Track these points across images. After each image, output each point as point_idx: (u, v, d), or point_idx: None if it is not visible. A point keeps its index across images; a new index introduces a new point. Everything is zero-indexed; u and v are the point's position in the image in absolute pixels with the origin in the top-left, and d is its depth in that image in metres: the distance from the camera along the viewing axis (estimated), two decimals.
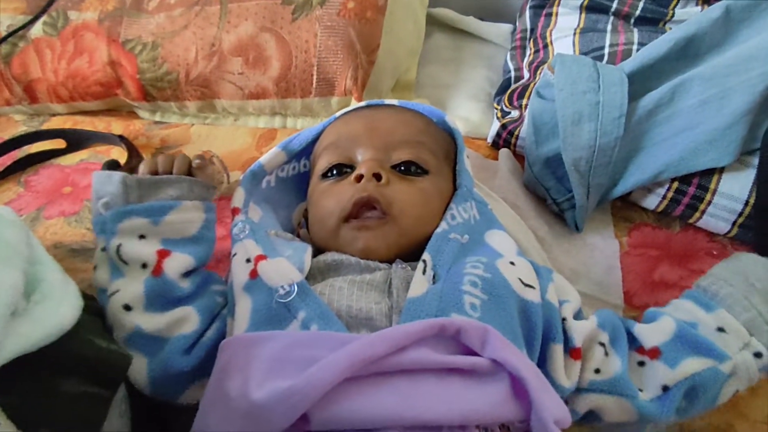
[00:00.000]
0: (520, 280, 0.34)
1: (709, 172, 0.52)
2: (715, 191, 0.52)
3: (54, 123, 0.74)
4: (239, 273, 0.35)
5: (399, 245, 0.37)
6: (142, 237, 0.37)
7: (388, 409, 0.25)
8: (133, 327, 0.34)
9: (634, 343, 0.37)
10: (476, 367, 0.27)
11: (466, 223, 0.39)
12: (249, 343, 0.30)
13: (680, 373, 0.33)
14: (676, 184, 0.53)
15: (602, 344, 0.36)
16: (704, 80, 0.50)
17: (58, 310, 0.27)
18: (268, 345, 0.28)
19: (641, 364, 0.35)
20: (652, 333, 0.36)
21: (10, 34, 0.69)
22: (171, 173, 0.41)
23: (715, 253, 0.53)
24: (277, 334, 0.30)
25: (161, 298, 0.36)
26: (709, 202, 0.53)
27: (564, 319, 0.35)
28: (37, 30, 0.70)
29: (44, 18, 0.70)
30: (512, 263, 0.36)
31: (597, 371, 0.35)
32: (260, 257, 0.35)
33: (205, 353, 0.35)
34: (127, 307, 0.35)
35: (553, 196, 0.56)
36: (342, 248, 0.38)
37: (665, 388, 0.34)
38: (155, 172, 0.41)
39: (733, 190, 0.51)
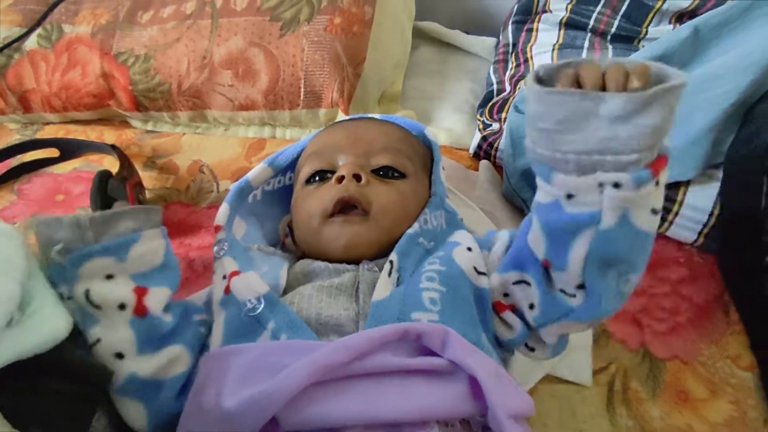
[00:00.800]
0: (474, 268, 0.36)
1: (677, 185, 0.55)
2: (682, 203, 0.55)
3: (47, 132, 0.76)
4: (217, 290, 0.37)
5: (380, 243, 0.39)
6: (109, 277, 0.34)
7: (351, 409, 0.27)
8: (127, 374, 0.33)
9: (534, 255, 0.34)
10: (436, 368, 0.29)
11: (434, 230, 0.41)
12: (223, 356, 0.31)
13: (576, 267, 0.30)
14: None
15: (519, 282, 0.35)
16: None
17: (52, 322, 0.29)
18: (240, 357, 0.30)
19: (548, 274, 0.33)
20: (535, 242, 0.33)
21: (5, 46, 0.71)
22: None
23: (681, 260, 0.56)
24: (249, 346, 0.31)
25: (151, 338, 0.34)
26: (677, 213, 0.55)
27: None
28: (31, 42, 0.72)
29: (39, 31, 0.72)
30: (469, 249, 0.38)
31: (531, 306, 0.35)
32: (234, 273, 0.36)
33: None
34: (120, 356, 0.33)
35: (530, 207, 0.58)
36: (325, 247, 0.40)
37: (580, 286, 0.31)
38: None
39: (699, 202, 0.54)
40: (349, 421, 0.27)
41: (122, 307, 0.33)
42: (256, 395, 0.27)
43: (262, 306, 0.33)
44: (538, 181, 0.31)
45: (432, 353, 0.30)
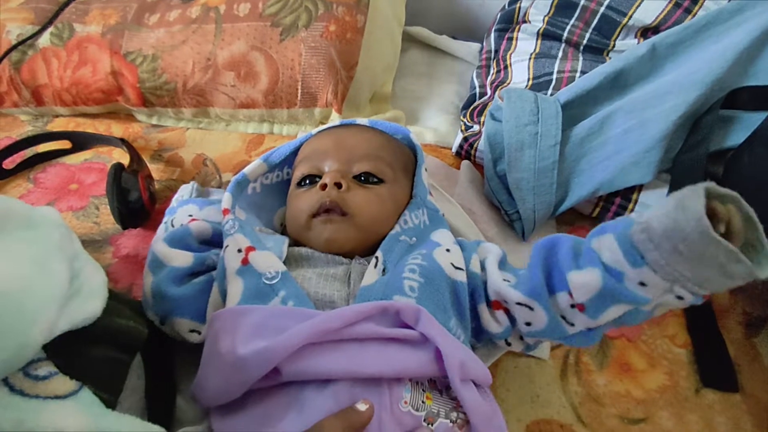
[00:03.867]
0: (452, 264, 0.43)
1: (632, 186, 0.62)
2: (636, 201, 0.62)
3: (57, 124, 0.80)
4: (231, 260, 0.43)
5: (357, 239, 0.45)
6: (189, 216, 0.53)
7: (339, 365, 0.34)
8: (153, 249, 0.48)
9: (564, 285, 0.38)
10: (409, 337, 0.36)
11: (416, 228, 0.47)
12: (238, 312, 0.38)
13: (603, 320, 0.37)
14: (606, 195, 0.63)
15: (523, 305, 0.40)
16: (626, 112, 0.59)
17: (93, 299, 0.34)
18: (252, 315, 0.37)
19: (572, 306, 0.38)
20: (581, 287, 0.36)
21: (20, 43, 0.75)
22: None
23: None
24: (261, 307, 0.38)
25: (180, 241, 0.49)
26: (632, 210, 0.62)
27: (485, 282, 0.43)
28: (44, 40, 0.76)
29: (51, 29, 0.76)
30: (448, 250, 0.44)
31: (528, 324, 0.40)
32: (250, 248, 0.43)
33: (192, 292, 0.45)
34: (157, 239, 0.49)
35: (505, 208, 0.64)
36: (311, 241, 0.46)
37: (590, 329, 0.39)
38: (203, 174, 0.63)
39: (651, 201, 0.61)
40: (337, 374, 0.34)
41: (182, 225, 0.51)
42: (264, 347, 0.33)
43: (279, 278, 0.40)
44: (616, 253, 0.34)
45: (407, 327, 0.37)
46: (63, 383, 0.29)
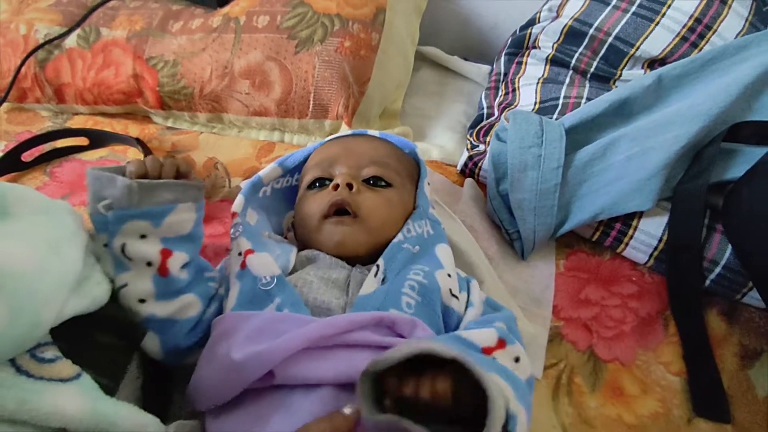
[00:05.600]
0: (450, 290, 0.43)
1: (632, 213, 0.63)
2: (636, 228, 0.62)
3: (76, 121, 0.83)
4: (233, 264, 0.44)
5: (367, 243, 0.46)
6: (143, 237, 0.40)
7: (331, 371, 0.35)
8: (148, 315, 0.40)
9: None
10: None
11: (419, 237, 0.48)
12: (235, 318, 0.39)
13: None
14: (606, 220, 0.63)
15: None
16: (629, 140, 0.60)
17: (100, 286, 0.36)
18: (249, 321, 0.38)
19: None
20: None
21: (47, 42, 0.78)
22: (159, 175, 0.42)
23: (634, 279, 0.63)
24: (258, 313, 0.39)
25: (168, 291, 0.41)
26: (631, 237, 0.63)
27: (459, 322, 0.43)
28: (71, 41, 0.79)
29: (78, 31, 0.79)
30: (449, 275, 0.45)
31: None
32: (249, 251, 0.44)
33: (205, 330, 0.43)
34: (142, 300, 0.40)
35: (506, 227, 0.65)
36: (321, 243, 0.47)
37: None
38: (144, 174, 0.41)
39: (651, 229, 0.62)
40: (327, 379, 0.35)
41: (149, 264, 0.40)
42: (259, 351, 0.34)
43: (274, 284, 0.40)
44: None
45: (401, 338, 0.38)
46: (67, 367, 0.30)
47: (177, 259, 0.41)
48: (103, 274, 0.38)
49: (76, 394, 0.29)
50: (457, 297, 0.44)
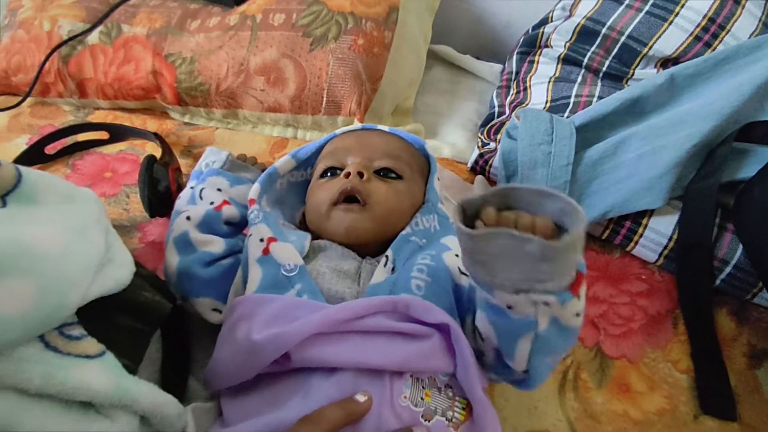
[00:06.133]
0: (459, 268, 0.44)
1: (644, 211, 0.63)
2: (646, 226, 0.63)
3: (97, 116, 0.85)
4: (254, 248, 0.45)
5: (373, 231, 0.47)
6: (219, 190, 0.55)
7: (345, 355, 0.36)
8: (183, 231, 0.50)
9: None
10: (414, 332, 0.37)
11: (427, 231, 0.49)
12: (257, 301, 0.40)
13: (522, 359, 0.36)
14: (616, 218, 0.64)
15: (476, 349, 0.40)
16: (641, 138, 0.61)
17: (122, 269, 0.37)
18: (270, 304, 0.39)
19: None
20: (486, 334, 0.38)
21: (71, 38, 0.80)
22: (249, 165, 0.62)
23: (643, 277, 0.63)
24: (276, 297, 0.40)
25: (209, 225, 0.51)
26: (641, 235, 0.63)
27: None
28: (93, 37, 0.82)
29: (101, 28, 0.82)
30: (457, 255, 0.45)
31: (482, 354, 0.41)
32: (272, 239, 0.45)
33: (218, 273, 0.48)
34: (188, 218, 0.51)
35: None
36: (330, 230, 0.48)
37: (525, 371, 0.38)
38: (243, 159, 0.63)
39: (661, 227, 0.62)
40: (343, 363, 0.36)
41: (211, 203, 0.53)
42: (277, 333, 0.35)
43: (297, 272, 0.42)
44: (480, 293, 0.36)
45: (414, 323, 0.39)
46: (92, 345, 0.32)
47: (229, 210, 0.53)
48: (125, 258, 0.39)
49: (101, 371, 0.31)
50: (466, 274, 0.44)
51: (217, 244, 0.50)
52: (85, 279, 0.32)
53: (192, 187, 0.56)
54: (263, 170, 0.57)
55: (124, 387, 0.31)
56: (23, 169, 0.34)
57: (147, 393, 0.33)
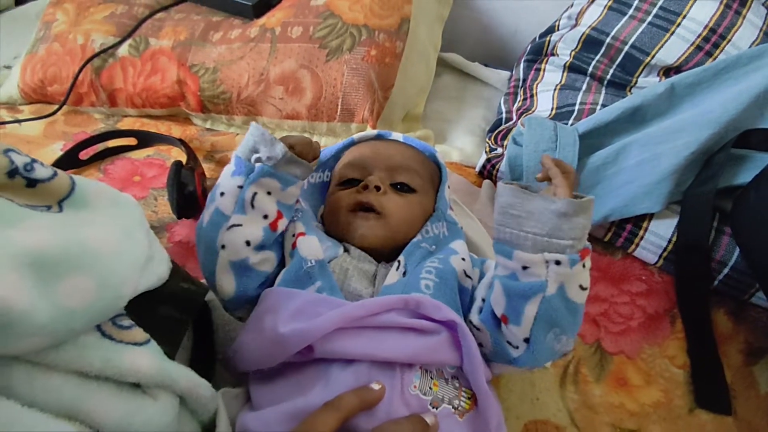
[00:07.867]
0: (464, 271, 0.48)
1: (644, 215, 0.66)
2: (647, 229, 0.65)
3: (125, 123, 0.90)
4: (287, 244, 0.50)
5: (386, 238, 0.51)
6: (269, 193, 0.47)
7: (361, 348, 0.40)
8: (244, 257, 0.46)
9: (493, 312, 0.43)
10: (424, 327, 0.41)
11: (436, 237, 0.53)
12: (283, 295, 0.44)
13: (527, 323, 0.40)
14: (618, 221, 0.67)
15: (475, 327, 0.45)
16: (641, 145, 0.63)
17: (162, 265, 0.42)
18: (294, 299, 0.43)
19: (503, 324, 0.43)
20: (496, 303, 0.42)
21: (102, 51, 0.86)
22: (300, 152, 0.49)
23: (643, 278, 0.66)
24: (300, 293, 0.44)
25: (267, 243, 0.47)
26: (642, 237, 0.66)
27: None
28: (123, 50, 0.87)
29: (130, 41, 0.87)
30: (463, 259, 0.49)
31: (480, 345, 0.44)
32: (300, 234, 0.49)
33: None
34: (248, 243, 0.46)
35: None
36: (347, 235, 0.52)
37: (526, 340, 0.41)
38: (292, 147, 0.48)
39: (660, 230, 0.65)
40: (359, 355, 0.40)
41: (265, 217, 0.47)
42: (301, 328, 0.40)
43: (317, 267, 0.46)
44: (499, 259, 0.42)
45: (425, 320, 0.43)
46: (140, 333, 0.36)
47: (282, 223, 0.49)
48: (163, 255, 0.44)
49: (147, 356, 0.35)
50: (470, 277, 0.48)
51: (270, 262, 0.49)
52: (135, 275, 0.36)
53: (240, 186, 0.46)
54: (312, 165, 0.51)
55: (166, 370, 0.35)
56: (75, 177, 0.38)
57: (184, 376, 0.37)
